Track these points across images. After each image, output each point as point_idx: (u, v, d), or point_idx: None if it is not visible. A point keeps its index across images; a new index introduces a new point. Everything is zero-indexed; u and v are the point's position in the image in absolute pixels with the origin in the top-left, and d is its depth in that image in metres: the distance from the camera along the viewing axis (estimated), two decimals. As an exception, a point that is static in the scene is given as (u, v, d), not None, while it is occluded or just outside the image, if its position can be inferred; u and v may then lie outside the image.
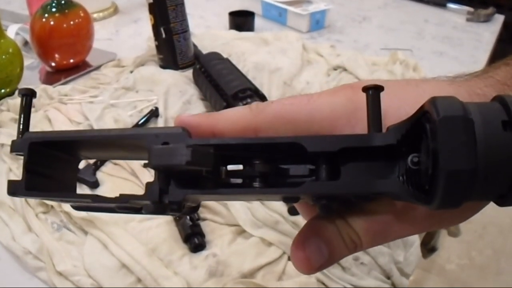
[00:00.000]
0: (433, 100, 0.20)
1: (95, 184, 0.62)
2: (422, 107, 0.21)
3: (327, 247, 0.26)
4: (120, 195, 0.25)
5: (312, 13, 1.12)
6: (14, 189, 0.25)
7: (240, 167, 0.24)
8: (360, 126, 0.25)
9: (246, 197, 0.26)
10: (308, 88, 0.85)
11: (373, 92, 0.23)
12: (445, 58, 1.02)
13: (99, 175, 0.64)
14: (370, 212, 0.26)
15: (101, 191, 0.62)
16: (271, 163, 0.24)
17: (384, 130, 0.23)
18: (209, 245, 0.54)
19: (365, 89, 0.23)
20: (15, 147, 0.26)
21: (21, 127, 0.26)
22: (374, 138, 0.23)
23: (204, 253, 0.53)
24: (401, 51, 0.95)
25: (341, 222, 0.26)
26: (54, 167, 0.27)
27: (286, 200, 0.25)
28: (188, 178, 0.24)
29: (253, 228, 0.54)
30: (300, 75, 0.88)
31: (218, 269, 0.51)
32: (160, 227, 0.55)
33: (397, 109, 0.25)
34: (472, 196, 0.20)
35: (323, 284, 0.50)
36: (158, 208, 0.23)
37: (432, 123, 0.20)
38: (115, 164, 0.66)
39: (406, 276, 0.52)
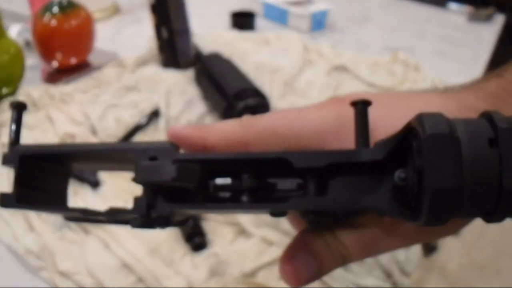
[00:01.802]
0: (420, 117, 0.20)
1: (96, 184, 0.62)
2: (409, 123, 0.21)
3: (316, 261, 0.27)
4: (109, 209, 0.25)
5: (313, 13, 1.12)
6: (5, 201, 0.25)
7: (229, 180, 0.25)
8: (349, 140, 0.25)
9: (234, 211, 0.26)
10: (309, 88, 0.85)
11: (361, 106, 0.23)
12: (445, 57, 1.02)
13: (101, 174, 0.64)
14: (359, 226, 0.26)
15: (102, 190, 0.62)
16: (259, 178, 0.25)
17: (371, 144, 0.23)
18: (210, 245, 0.54)
19: (353, 103, 0.23)
20: (6, 160, 0.26)
21: (12, 139, 0.26)
22: (361, 153, 0.23)
23: (205, 252, 0.53)
24: (402, 51, 0.95)
25: (329, 236, 0.26)
26: (45, 179, 0.27)
27: (273, 214, 0.25)
28: (176, 192, 0.24)
29: (254, 228, 0.55)
30: (301, 75, 0.88)
31: (219, 268, 0.51)
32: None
33: (386, 122, 0.25)
34: (459, 213, 0.21)
35: (325, 282, 0.50)
36: (146, 222, 0.24)
37: (419, 140, 0.20)
38: (117, 163, 0.66)
39: (407, 275, 0.52)
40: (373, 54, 1.01)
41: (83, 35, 0.92)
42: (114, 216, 0.25)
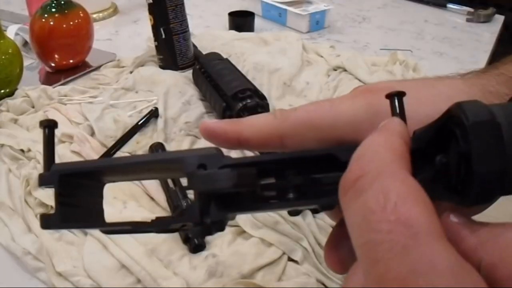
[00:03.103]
0: (461, 106, 0.22)
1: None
2: (448, 111, 0.22)
3: None
4: (157, 218, 0.25)
5: (312, 13, 1.12)
6: (49, 223, 0.26)
7: (273, 180, 0.25)
8: None
9: (283, 209, 0.27)
10: (308, 89, 0.85)
11: (397, 98, 0.24)
12: (445, 58, 1.02)
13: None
14: None
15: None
16: (304, 174, 0.25)
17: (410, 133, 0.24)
18: (209, 246, 0.54)
19: (388, 96, 0.24)
20: (44, 181, 0.26)
21: (46, 159, 0.26)
22: None
23: (203, 253, 0.52)
24: (401, 52, 0.95)
25: None
26: (82, 195, 0.27)
27: (323, 208, 0.25)
28: (226, 195, 0.24)
29: (253, 229, 0.54)
30: (300, 75, 0.88)
31: (217, 269, 0.51)
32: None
33: (415, 111, 0.25)
34: (503, 192, 0.22)
35: (323, 284, 0.50)
36: (204, 230, 0.24)
37: (462, 128, 0.21)
38: (115, 164, 0.66)
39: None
40: (372, 55, 1.01)
41: (81, 36, 0.92)
42: (166, 226, 0.25)
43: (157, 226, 0.25)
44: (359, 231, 0.18)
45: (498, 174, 0.20)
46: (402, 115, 0.24)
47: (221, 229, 0.25)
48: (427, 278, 0.15)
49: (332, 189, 0.24)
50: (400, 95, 0.24)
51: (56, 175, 0.25)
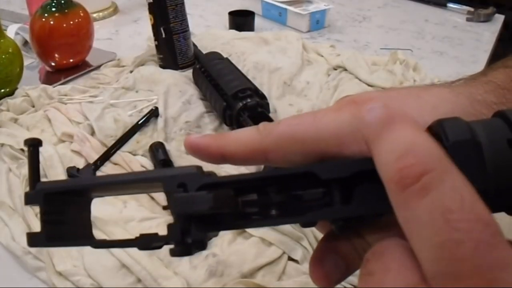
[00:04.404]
0: (441, 124, 0.21)
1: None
2: (429, 128, 0.22)
3: (344, 262, 0.27)
4: (141, 236, 0.26)
5: (312, 13, 1.12)
6: (34, 241, 0.26)
7: (255, 196, 0.25)
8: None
9: (264, 225, 0.27)
10: (308, 88, 0.84)
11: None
12: (445, 58, 1.02)
13: (99, 175, 0.64)
14: (384, 226, 0.26)
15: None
16: (285, 191, 0.25)
17: None
18: (209, 245, 0.54)
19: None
20: (29, 200, 0.26)
21: (32, 178, 0.26)
22: None
23: (204, 253, 0.52)
24: (401, 51, 0.94)
25: (356, 238, 0.27)
26: (68, 212, 0.27)
27: (304, 225, 0.26)
28: (206, 215, 0.24)
29: (253, 228, 0.54)
30: (300, 75, 0.88)
31: (218, 269, 0.51)
32: (159, 227, 0.55)
33: None
34: None
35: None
36: (184, 250, 0.24)
37: (443, 146, 0.21)
38: (115, 164, 0.66)
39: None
40: (372, 54, 1.01)
41: (81, 35, 0.92)
42: (148, 244, 0.26)
43: (141, 243, 0.26)
44: (434, 230, 0.17)
45: (480, 193, 0.20)
46: None
47: (203, 248, 0.25)
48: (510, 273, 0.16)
49: (314, 205, 0.24)
50: None
51: (41, 194, 0.26)
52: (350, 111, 0.26)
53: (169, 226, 0.24)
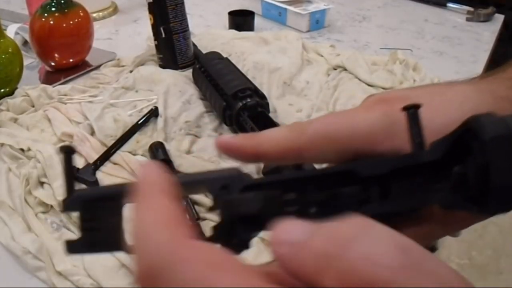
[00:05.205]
0: (478, 119, 0.22)
1: (94, 184, 0.62)
2: (464, 124, 0.23)
3: None
4: None
5: (312, 12, 1.12)
6: (73, 249, 0.26)
7: (294, 195, 0.26)
8: (398, 139, 0.26)
9: None
10: (308, 88, 0.84)
11: (413, 111, 0.25)
12: (445, 57, 1.02)
13: (99, 174, 0.64)
14: (417, 220, 0.27)
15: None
16: (324, 190, 0.25)
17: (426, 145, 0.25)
18: (209, 245, 0.54)
19: (405, 108, 0.25)
20: (67, 207, 0.26)
21: (67, 184, 0.26)
22: (421, 155, 0.24)
23: (203, 252, 0.52)
24: (401, 51, 0.94)
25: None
26: (103, 217, 0.27)
27: None
28: (251, 215, 0.25)
29: (252, 228, 0.54)
30: (300, 74, 0.88)
31: (217, 268, 0.51)
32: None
33: (429, 121, 0.26)
34: None
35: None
36: (230, 250, 0.24)
37: (480, 142, 0.22)
38: (115, 164, 0.66)
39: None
40: (372, 54, 1.01)
41: (81, 35, 0.92)
42: None
43: None
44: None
45: None
46: (417, 126, 0.25)
47: (247, 247, 0.25)
48: None
49: (351, 203, 0.25)
50: (416, 107, 0.25)
51: (80, 201, 0.26)
52: (380, 109, 0.27)
53: (215, 227, 0.25)
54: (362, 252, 0.16)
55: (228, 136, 0.28)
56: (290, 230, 0.18)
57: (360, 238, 0.17)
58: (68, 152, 0.26)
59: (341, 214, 0.25)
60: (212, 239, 0.25)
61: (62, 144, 0.27)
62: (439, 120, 0.26)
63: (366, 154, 0.27)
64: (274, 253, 0.18)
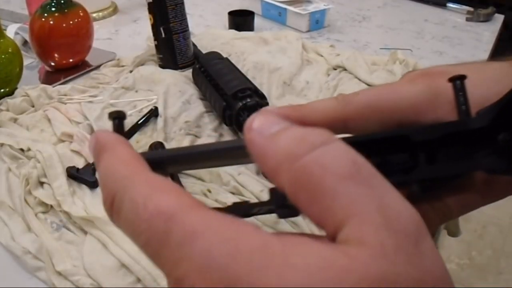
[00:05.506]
0: None
1: (94, 184, 0.62)
2: (510, 92, 0.24)
3: (425, 222, 0.29)
4: (236, 204, 0.26)
5: (311, 12, 1.12)
6: None
7: None
8: (441, 111, 0.27)
9: None
10: (308, 88, 0.84)
11: (459, 82, 0.26)
12: (445, 57, 1.02)
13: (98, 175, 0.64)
14: (459, 188, 0.29)
15: (100, 191, 0.61)
16: (375, 156, 0.26)
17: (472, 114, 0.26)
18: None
19: (452, 79, 0.26)
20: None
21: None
22: (469, 123, 0.25)
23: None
24: (401, 51, 0.94)
25: (435, 201, 0.29)
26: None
27: (397, 186, 0.27)
28: None
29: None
30: (300, 74, 0.88)
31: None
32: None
33: (471, 93, 0.27)
34: None
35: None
36: (291, 212, 0.24)
37: None
38: (115, 163, 0.66)
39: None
40: (372, 54, 1.01)
41: (81, 35, 0.92)
42: (249, 211, 0.26)
43: (242, 210, 0.26)
44: (137, 245, 0.19)
45: None
46: (464, 96, 0.26)
47: (297, 214, 0.25)
48: (197, 241, 0.17)
49: (399, 169, 0.26)
50: (462, 78, 0.26)
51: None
52: (424, 82, 0.28)
53: (272, 191, 0.25)
54: (317, 158, 0.18)
55: (274, 108, 0.28)
56: (265, 121, 0.20)
57: (320, 146, 0.18)
58: (119, 118, 0.26)
59: (390, 179, 0.26)
60: (270, 203, 0.25)
61: (110, 110, 0.26)
62: (479, 93, 0.27)
63: (409, 125, 0.28)
64: (246, 137, 0.20)
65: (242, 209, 0.26)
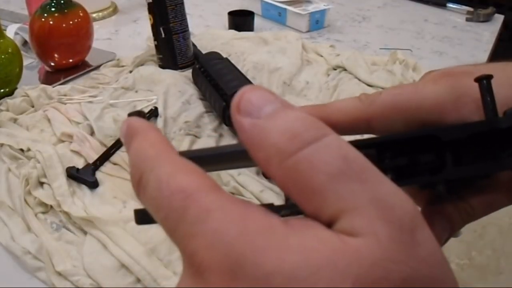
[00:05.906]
0: None
1: (94, 184, 0.62)
2: None
3: (449, 223, 0.29)
4: (268, 205, 0.26)
5: (311, 12, 1.12)
6: (141, 219, 0.26)
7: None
8: (465, 111, 0.27)
9: None
10: (308, 88, 0.84)
11: (486, 81, 0.26)
12: (444, 57, 1.02)
13: (99, 175, 0.64)
14: (483, 188, 0.29)
15: (100, 191, 0.61)
16: (402, 155, 0.26)
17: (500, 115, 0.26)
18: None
19: (478, 79, 0.26)
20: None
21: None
22: (497, 122, 0.25)
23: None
24: (401, 51, 0.94)
25: (459, 201, 0.29)
26: None
27: (422, 187, 0.27)
28: None
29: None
30: (300, 75, 0.88)
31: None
32: (159, 227, 0.55)
33: (496, 94, 0.27)
34: None
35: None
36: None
37: None
38: (115, 164, 0.66)
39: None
40: (372, 54, 1.01)
41: (81, 35, 0.92)
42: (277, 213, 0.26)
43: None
44: (158, 219, 0.20)
45: None
46: (491, 96, 0.25)
47: None
48: (209, 220, 0.17)
49: (426, 169, 0.26)
50: (489, 78, 0.25)
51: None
52: (447, 82, 0.28)
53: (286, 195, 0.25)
54: (308, 155, 0.18)
55: (297, 107, 0.29)
56: (254, 100, 0.19)
57: (311, 143, 0.18)
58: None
59: (417, 178, 0.25)
60: (285, 207, 0.25)
61: (131, 111, 0.26)
62: (504, 92, 0.27)
63: (432, 125, 0.27)
64: (233, 118, 0.19)
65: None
